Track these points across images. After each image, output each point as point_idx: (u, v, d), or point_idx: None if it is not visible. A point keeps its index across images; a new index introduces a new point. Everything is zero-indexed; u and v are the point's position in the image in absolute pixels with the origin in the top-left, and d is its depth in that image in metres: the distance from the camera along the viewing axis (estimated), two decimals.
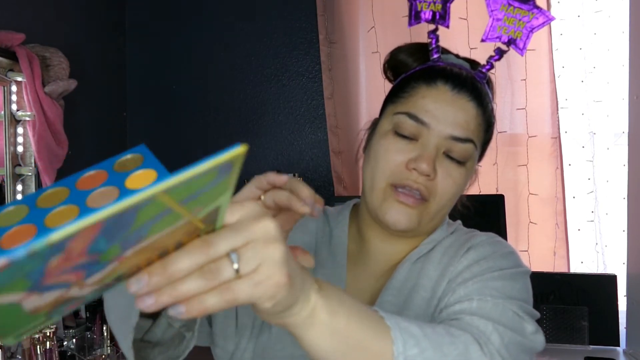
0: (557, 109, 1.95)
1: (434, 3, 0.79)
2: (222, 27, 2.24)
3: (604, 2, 1.97)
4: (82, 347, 1.58)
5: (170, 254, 0.37)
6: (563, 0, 2.01)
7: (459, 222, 0.85)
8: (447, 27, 0.80)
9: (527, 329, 0.66)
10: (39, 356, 1.35)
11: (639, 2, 1.65)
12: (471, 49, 1.92)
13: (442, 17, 0.80)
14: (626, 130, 1.73)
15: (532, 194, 1.98)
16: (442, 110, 0.72)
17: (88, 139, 2.01)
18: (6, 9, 1.64)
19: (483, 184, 2.00)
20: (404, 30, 1.98)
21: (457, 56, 0.81)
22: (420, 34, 2.00)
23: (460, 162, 0.72)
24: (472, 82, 0.74)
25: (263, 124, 2.20)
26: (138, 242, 0.34)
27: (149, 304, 0.36)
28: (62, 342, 1.57)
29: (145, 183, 0.37)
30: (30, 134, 1.61)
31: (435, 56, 0.78)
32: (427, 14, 0.80)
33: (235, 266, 0.37)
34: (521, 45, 0.78)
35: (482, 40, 0.79)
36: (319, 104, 2.15)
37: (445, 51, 0.81)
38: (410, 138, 0.72)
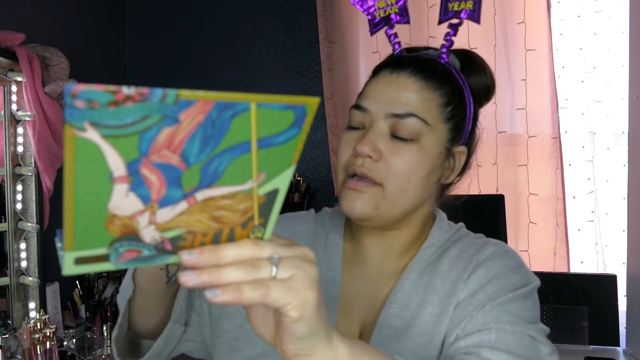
0: (557, 109, 1.95)
1: (390, 6, 0.81)
2: (222, 27, 2.24)
3: (604, 2, 1.97)
4: (82, 347, 1.58)
5: (223, 243, 0.42)
6: (563, 0, 2.01)
7: (461, 224, 0.83)
8: (408, 22, 0.82)
9: (542, 351, 0.67)
10: (39, 356, 1.35)
11: (639, 2, 1.65)
12: (471, 49, 1.92)
13: (402, 17, 0.81)
14: (626, 130, 1.73)
15: (532, 194, 1.98)
16: (380, 93, 0.72)
17: None
18: (6, 9, 1.64)
19: (483, 184, 2.00)
20: (404, 30, 1.98)
21: (435, 49, 0.81)
22: (421, 33, 2.00)
23: (407, 140, 0.70)
24: (415, 60, 0.74)
25: None
26: (211, 184, 0.38)
27: (191, 278, 0.40)
28: (62, 342, 1.57)
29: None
30: (30, 134, 1.61)
31: (396, 49, 0.80)
32: (384, 18, 0.82)
33: (274, 269, 0.42)
34: (475, 15, 0.78)
35: (439, 23, 0.81)
36: (319, 104, 2.15)
37: (423, 49, 0.82)
38: (359, 128, 0.73)
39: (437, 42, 2.03)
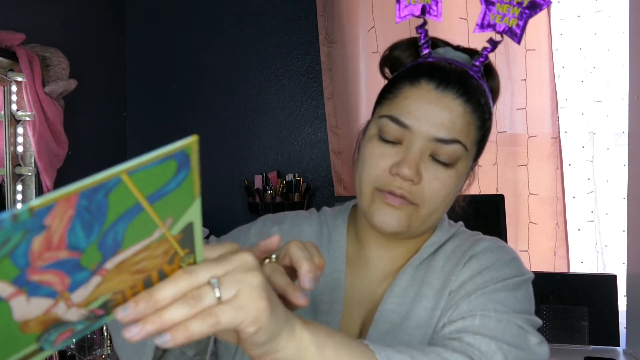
0: (557, 109, 1.95)
1: None
2: (222, 27, 2.24)
3: (604, 2, 1.97)
4: (82, 347, 1.58)
5: (155, 284, 0.40)
6: (563, 0, 2.01)
7: (460, 223, 0.83)
8: (439, 19, 0.76)
9: (531, 341, 0.65)
10: None
11: (639, 2, 1.65)
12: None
13: (432, 9, 0.76)
14: (626, 130, 1.73)
15: (532, 194, 1.98)
16: (424, 111, 0.68)
17: (88, 139, 2.01)
18: (6, 9, 1.64)
19: (483, 184, 1.99)
20: (404, 30, 1.98)
21: (457, 47, 0.78)
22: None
23: (447, 164, 0.69)
24: (460, 78, 0.70)
25: (263, 124, 2.20)
26: (116, 251, 0.35)
27: (135, 333, 0.38)
28: None
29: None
30: (30, 134, 1.61)
31: (425, 52, 0.75)
32: (416, 8, 0.77)
33: (217, 292, 0.40)
34: (518, 33, 0.73)
35: (474, 31, 0.76)
36: (319, 104, 2.15)
37: (443, 44, 0.78)
38: (394, 142, 0.70)
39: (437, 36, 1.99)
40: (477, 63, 0.74)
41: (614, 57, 1.97)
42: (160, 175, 0.34)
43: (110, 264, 0.36)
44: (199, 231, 0.40)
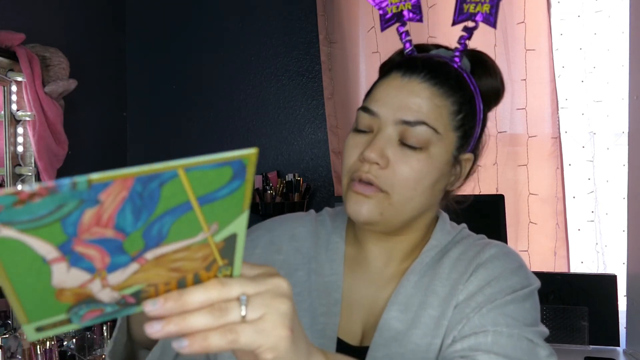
0: (557, 109, 1.95)
1: (403, 2, 0.78)
2: (222, 27, 2.24)
3: (604, 2, 1.97)
4: (82, 347, 1.58)
5: (188, 287, 0.40)
6: (563, 0, 2.01)
7: (463, 225, 0.82)
8: (421, 21, 0.79)
9: (540, 354, 0.66)
10: (39, 356, 1.35)
11: (639, 2, 1.65)
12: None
13: (413, 14, 0.78)
14: (626, 130, 1.73)
15: (532, 194, 1.98)
16: (390, 97, 0.70)
17: (88, 139, 2.01)
18: (6, 9, 1.64)
19: (483, 184, 1.99)
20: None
21: (447, 48, 0.79)
22: (421, 33, 2.00)
23: (416, 148, 0.68)
24: (428, 64, 0.71)
25: (263, 124, 2.20)
26: (159, 244, 0.36)
27: (156, 330, 0.39)
28: (62, 342, 1.57)
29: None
30: (30, 134, 1.61)
31: (407, 48, 0.77)
32: (396, 14, 0.79)
33: (243, 310, 0.40)
34: (491, 19, 0.75)
35: (453, 24, 0.78)
36: (319, 104, 2.15)
37: (435, 47, 0.79)
38: (367, 131, 0.71)
39: (437, 41, 2.02)
40: (456, 53, 0.76)
41: (614, 57, 1.97)
42: (215, 178, 0.35)
43: (150, 255, 0.37)
44: (241, 244, 0.41)
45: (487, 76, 0.78)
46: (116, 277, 0.37)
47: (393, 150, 0.69)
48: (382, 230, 0.74)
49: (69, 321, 0.39)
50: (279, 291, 0.42)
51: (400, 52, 0.80)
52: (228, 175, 0.35)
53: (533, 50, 1.95)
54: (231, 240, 0.40)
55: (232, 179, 0.35)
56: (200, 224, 0.37)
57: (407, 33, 0.78)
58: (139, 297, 0.40)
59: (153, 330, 0.39)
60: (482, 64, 0.78)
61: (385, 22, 0.79)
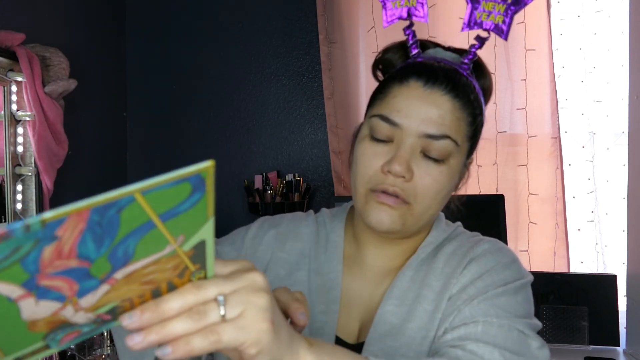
0: (557, 109, 1.95)
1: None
2: (222, 27, 2.24)
3: (604, 2, 1.97)
4: (82, 347, 1.58)
5: (162, 296, 0.40)
6: (563, 0, 2.01)
7: (458, 224, 0.83)
8: (425, 20, 0.77)
9: (532, 345, 0.66)
10: None
11: (639, 2, 1.65)
12: None
13: (417, 11, 0.77)
14: (626, 130, 1.73)
15: (532, 194, 1.98)
16: (413, 108, 0.69)
17: (88, 139, 2.01)
18: (6, 9, 1.64)
19: (483, 184, 1.99)
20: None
21: (447, 48, 0.78)
22: (420, 33, 1.99)
23: (438, 160, 0.69)
24: (448, 74, 0.71)
25: (263, 124, 2.20)
26: (126, 263, 0.36)
27: (137, 342, 0.39)
28: None
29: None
30: (30, 134, 1.61)
31: (414, 52, 0.76)
32: (402, 11, 0.78)
33: (222, 309, 0.40)
34: (504, 29, 0.74)
35: (462, 30, 0.77)
36: (319, 104, 2.15)
37: (433, 45, 0.79)
38: (386, 141, 0.70)
39: (437, 41, 2.01)
40: (465, 60, 0.75)
41: (614, 57, 1.97)
42: (174, 196, 0.35)
43: (119, 275, 0.37)
44: (210, 248, 0.41)
45: (483, 78, 0.78)
46: (88, 300, 0.37)
47: (416, 163, 0.69)
48: (398, 237, 0.75)
49: (47, 347, 0.39)
50: (256, 286, 0.42)
51: (395, 51, 0.79)
52: (187, 191, 0.35)
53: (533, 50, 1.94)
54: (200, 246, 0.39)
55: (191, 193, 0.35)
56: (166, 238, 0.37)
57: (414, 35, 0.77)
58: (115, 313, 0.40)
59: (134, 342, 0.39)
60: (479, 67, 0.78)
61: (389, 17, 0.78)
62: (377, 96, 0.74)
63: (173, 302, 0.39)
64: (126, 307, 0.40)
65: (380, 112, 0.71)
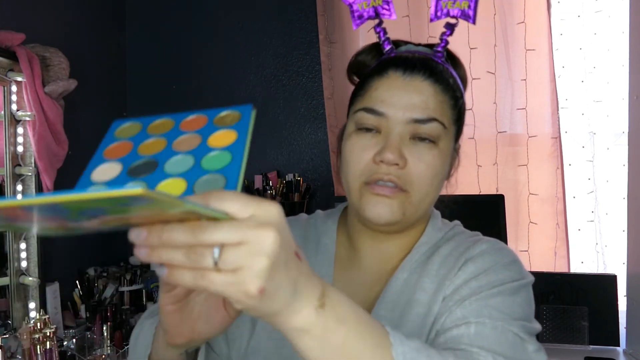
0: (557, 109, 1.95)
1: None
2: (222, 27, 2.24)
3: (604, 2, 1.97)
4: (82, 347, 1.58)
5: (171, 224, 0.40)
6: (563, 0, 2.01)
7: (456, 222, 0.82)
8: (393, 17, 0.79)
9: (528, 349, 0.64)
10: (39, 356, 1.35)
11: (639, 2, 1.65)
12: (471, 49, 1.92)
13: (385, 10, 0.79)
14: (626, 130, 1.73)
15: (532, 194, 1.98)
16: (396, 97, 0.70)
17: (88, 139, 2.01)
18: (6, 9, 1.64)
19: (483, 184, 1.99)
20: (404, 30, 1.98)
21: (419, 44, 0.80)
22: (421, 32, 2.00)
23: (431, 142, 0.69)
24: (424, 62, 0.72)
25: (263, 124, 2.20)
26: (103, 216, 0.37)
27: (142, 255, 0.41)
28: (62, 342, 1.57)
29: (223, 143, 0.47)
30: (30, 134, 1.61)
31: (387, 48, 0.77)
32: (370, 11, 0.79)
33: (217, 259, 0.39)
34: (470, 14, 0.76)
35: (431, 20, 0.79)
36: (319, 104, 2.15)
37: (404, 43, 0.80)
38: (373, 132, 0.70)
39: (437, 41, 2.00)
40: (439, 49, 0.76)
41: (614, 57, 1.97)
42: (105, 204, 0.34)
43: (109, 218, 0.38)
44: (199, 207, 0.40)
45: (458, 68, 0.79)
46: (92, 223, 0.38)
47: (408, 150, 0.69)
48: (397, 230, 0.74)
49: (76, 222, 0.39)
50: (259, 247, 0.40)
51: (367, 52, 0.80)
52: (123, 201, 0.33)
53: (533, 50, 1.95)
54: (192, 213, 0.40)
55: (130, 202, 0.34)
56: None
57: (384, 31, 0.78)
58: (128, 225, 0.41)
59: (139, 253, 0.41)
60: (453, 58, 0.79)
61: (358, 19, 0.80)
62: (357, 93, 0.75)
63: (175, 235, 0.39)
64: (139, 222, 0.41)
65: (363, 106, 0.71)
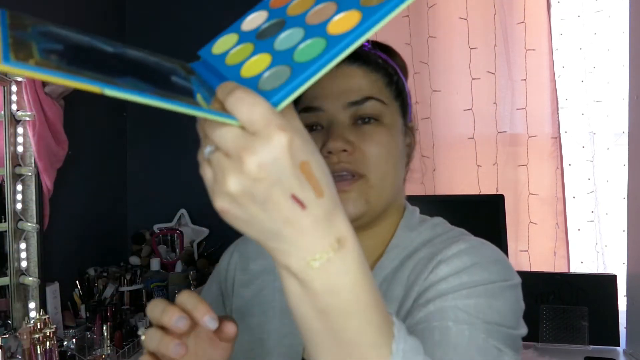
0: (557, 109, 1.95)
1: None
2: (222, 27, 2.24)
3: (604, 2, 1.98)
4: (82, 347, 1.58)
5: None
6: (563, 0, 2.01)
7: (437, 220, 0.75)
8: None
9: (502, 358, 0.57)
10: (39, 356, 1.35)
11: (639, 2, 1.65)
12: (471, 49, 1.92)
13: None
14: (626, 130, 1.73)
15: (532, 194, 1.98)
16: (327, 88, 0.69)
17: (88, 139, 2.01)
18: (6, 9, 1.64)
19: (483, 184, 1.99)
20: (403, 29, 1.98)
21: None
22: (421, 33, 2.00)
23: (375, 120, 0.68)
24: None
25: None
26: None
27: None
28: (62, 342, 1.57)
29: (339, 30, 0.40)
30: (30, 134, 1.61)
31: None
32: None
33: (206, 155, 0.39)
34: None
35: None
36: None
37: None
38: (318, 129, 0.69)
39: (437, 41, 2.02)
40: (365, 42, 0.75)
41: (614, 57, 1.97)
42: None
43: None
44: None
45: (393, 56, 0.78)
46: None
47: (353, 133, 0.67)
48: (368, 221, 0.69)
49: None
50: (238, 165, 0.37)
51: None
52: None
53: (533, 50, 1.95)
54: None
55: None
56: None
57: None
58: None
59: None
60: (384, 48, 0.78)
61: None
62: (295, 101, 0.74)
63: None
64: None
65: (300, 108, 0.71)
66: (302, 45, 0.39)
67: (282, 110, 0.38)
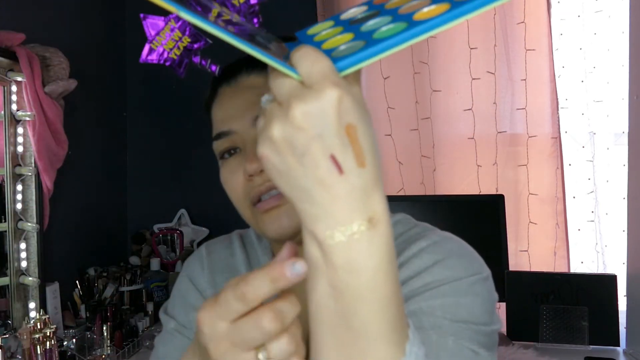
0: (557, 109, 1.95)
1: (180, 40, 0.62)
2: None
3: (604, 2, 1.98)
4: (82, 347, 1.58)
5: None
6: (563, 0, 2.01)
7: (399, 217, 0.71)
8: (204, 46, 0.63)
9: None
10: (39, 356, 1.35)
11: (639, 2, 1.65)
12: (471, 49, 1.92)
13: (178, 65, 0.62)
14: (626, 130, 1.73)
15: (532, 194, 1.98)
16: (231, 109, 0.67)
17: (88, 139, 2.01)
18: (6, 9, 1.64)
19: (483, 184, 1.99)
20: None
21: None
22: (422, 42, 1.99)
23: None
24: (247, 58, 0.68)
25: None
26: None
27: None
28: (62, 342, 1.57)
29: (426, 15, 0.40)
30: (30, 134, 1.61)
31: (214, 69, 0.71)
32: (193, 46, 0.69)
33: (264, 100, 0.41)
34: (181, 67, 0.61)
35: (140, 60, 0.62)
36: None
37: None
38: (236, 153, 0.67)
39: (437, 41, 2.02)
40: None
41: (614, 57, 1.97)
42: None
43: None
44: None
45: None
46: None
47: None
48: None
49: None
50: (285, 112, 0.38)
51: (208, 92, 0.76)
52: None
53: (533, 50, 1.95)
54: None
55: None
56: None
57: (205, 59, 0.65)
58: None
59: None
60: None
61: (180, 67, 0.68)
62: (210, 130, 0.72)
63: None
64: None
65: (212, 135, 0.69)
66: (384, 28, 0.40)
67: (345, 75, 0.38)
